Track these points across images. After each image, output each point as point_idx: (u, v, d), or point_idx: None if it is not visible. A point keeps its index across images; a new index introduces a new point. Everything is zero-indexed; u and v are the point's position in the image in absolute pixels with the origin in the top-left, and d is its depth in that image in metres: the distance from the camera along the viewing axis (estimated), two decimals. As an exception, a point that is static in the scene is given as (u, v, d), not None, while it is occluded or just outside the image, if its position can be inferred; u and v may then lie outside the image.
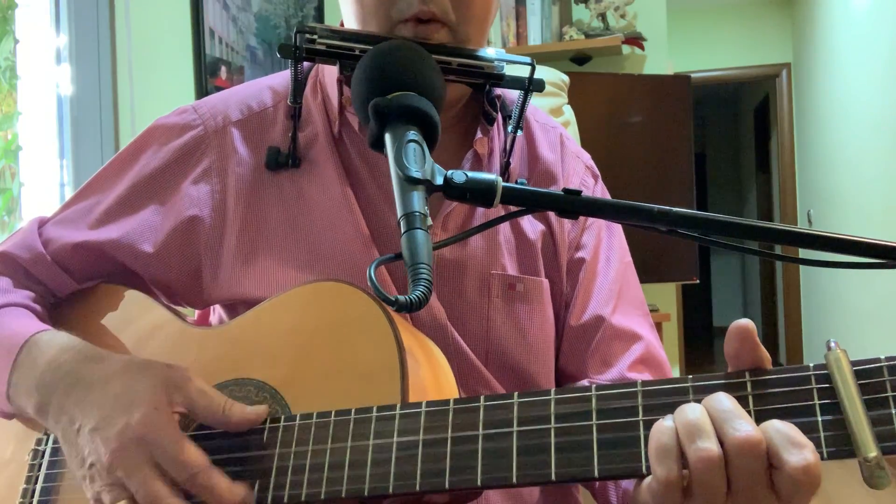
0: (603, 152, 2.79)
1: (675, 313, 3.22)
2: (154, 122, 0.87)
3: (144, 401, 0.62)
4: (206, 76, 2.66)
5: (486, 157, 0.85)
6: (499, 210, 0.78)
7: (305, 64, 0.85)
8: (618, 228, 0.90)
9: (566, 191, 0.62)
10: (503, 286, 0.81)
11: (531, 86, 0.76)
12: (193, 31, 2.66)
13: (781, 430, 0.48)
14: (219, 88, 2.69)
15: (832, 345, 0.50)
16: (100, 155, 2.21)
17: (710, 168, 8.01)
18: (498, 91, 0.86)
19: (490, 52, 0.76)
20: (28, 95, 2.15)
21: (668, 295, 3.18)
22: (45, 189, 2.17)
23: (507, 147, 0.83)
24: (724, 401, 0.50)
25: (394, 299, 0.56)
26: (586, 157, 0.93)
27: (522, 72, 0.77)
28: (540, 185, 0.87)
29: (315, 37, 0.73)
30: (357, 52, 0.73)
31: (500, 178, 0.62)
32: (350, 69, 0.74)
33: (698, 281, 2.98)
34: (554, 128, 0.92)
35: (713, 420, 0.49)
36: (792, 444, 0.47)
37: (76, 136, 2.21)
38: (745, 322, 0.53)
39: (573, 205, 0.62)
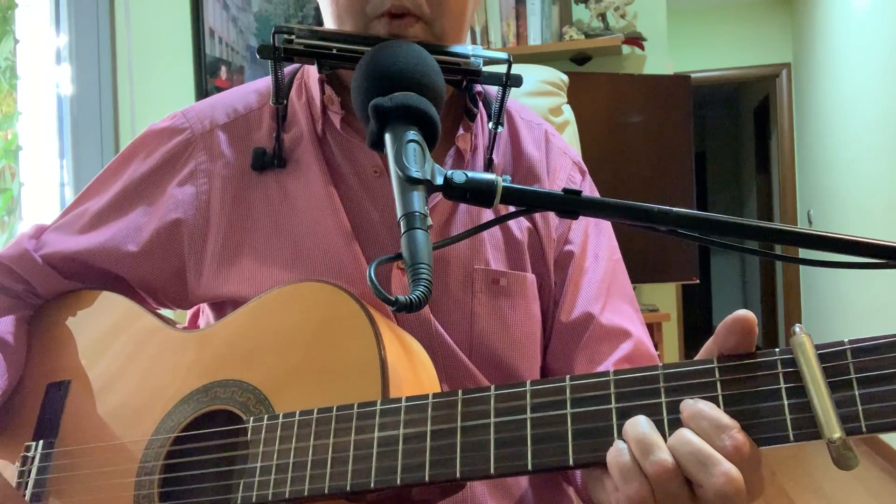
0: (603, 152, 2.81)
1: (675, 313, 3.22)
2: (146, 128, 0.88)
3: None
4: (206, 76, 2.66)
5: (469, 153, 0.85)
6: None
7: (294, 66, 0.85)
8: (607, 226, 0.90)
9: (566, 191, 0.62)
10: (487, 281, 0.81)
11: (509, 81, 0.76)
12: (193, 31, 2.66)
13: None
14: (219, 88, 2.69)
15: (797, 330, 0.51)
16: (100, 155, 2.21)
17: (710, 168, 8.00)
18: (479, 88, 0.87)
19: (467, 48, 0.76)
20: (28, 95, 2.15)
21: (668, 295, 3.18)
22: (45, 189, 2.17)
23: (489, 143, 0.83)
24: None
25: (394, 299, 0.55)
26: (573, 153, 0.93)
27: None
28: (525, 181, 0.87)
29: (293, 37, 0.74)
30: (335, 52, 0.74)
31: (500, 178, 0.62)
32: (328, 68, 0.76)
33: (698, 281, 2.98)
34: (539, 125, 0.92)
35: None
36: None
37: (76, 136, 2.21)
38: (746, 315, 0.53)
39: (573, 204, 0.62)
